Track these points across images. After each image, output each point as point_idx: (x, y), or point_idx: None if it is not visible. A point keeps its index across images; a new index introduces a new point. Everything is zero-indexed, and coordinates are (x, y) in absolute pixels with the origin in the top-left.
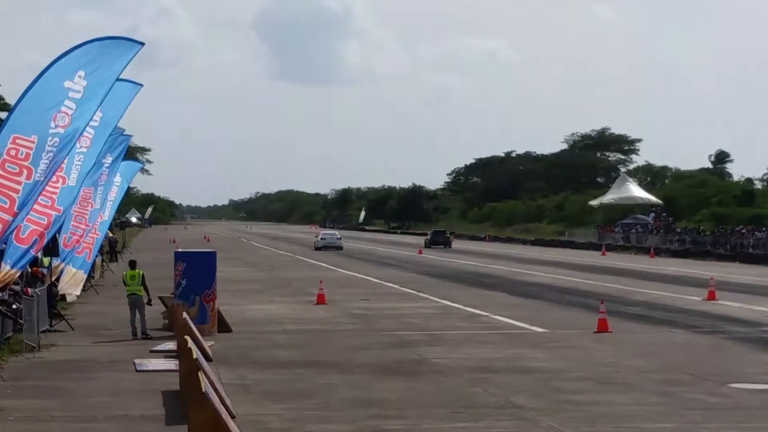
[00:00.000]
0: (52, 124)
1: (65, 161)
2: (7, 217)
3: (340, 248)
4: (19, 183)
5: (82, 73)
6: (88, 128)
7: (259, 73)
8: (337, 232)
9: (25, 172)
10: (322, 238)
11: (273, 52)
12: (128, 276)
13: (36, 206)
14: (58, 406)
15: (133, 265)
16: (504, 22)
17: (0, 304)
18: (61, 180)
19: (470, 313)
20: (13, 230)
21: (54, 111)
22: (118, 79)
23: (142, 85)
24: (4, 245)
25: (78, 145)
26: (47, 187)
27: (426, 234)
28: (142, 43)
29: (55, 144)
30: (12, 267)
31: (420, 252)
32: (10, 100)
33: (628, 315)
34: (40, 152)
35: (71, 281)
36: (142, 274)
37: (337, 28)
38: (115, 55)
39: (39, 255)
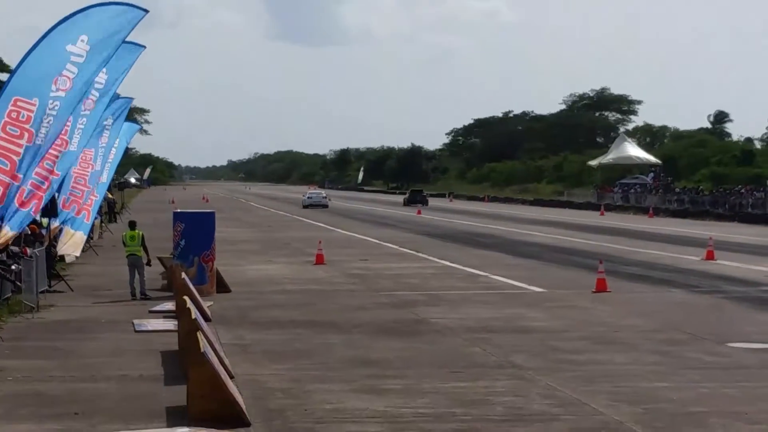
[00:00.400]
0: (53, 87)
1: (68, 124)
2: (8, 180)
3: (325, 206)
4: (20, 146)
5: (84, 37)
6: (92, 90)
7: (258, 34)
8: (323, 192)
9: (26, 134)
10: (308, 197)
11: (272, 13)
12: (128, 236)
13: (39, 170)
14: (57, 367)
15: (132, 225)
16: None
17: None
18: (63, 143)
19: (469, 273)
20: (16, 194)
21: (55, 74)
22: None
23: (144, 47)
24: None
25: (82, 107)
26: (51, 150)
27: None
28: (146, 11)
29: (56, 107)
30: (11, 230)
31: (419, 212)
32: (9, 61)
33: (626, 275)
34: (41, 115)
35: (70, 242)
36: (142, 235)
37: None
38: (119, 20)
39: (37, 216)
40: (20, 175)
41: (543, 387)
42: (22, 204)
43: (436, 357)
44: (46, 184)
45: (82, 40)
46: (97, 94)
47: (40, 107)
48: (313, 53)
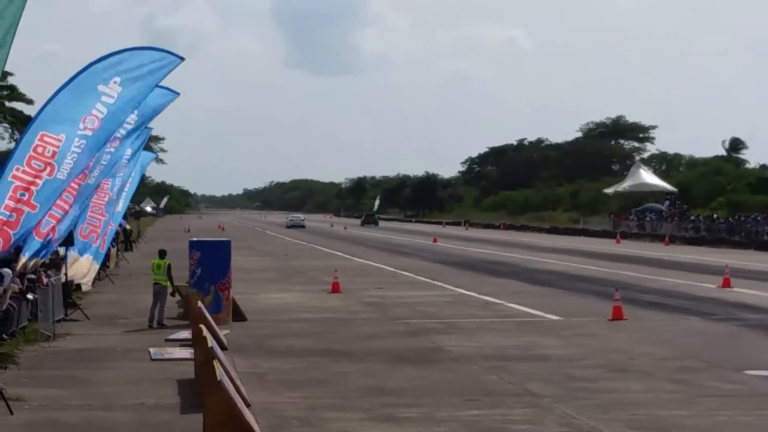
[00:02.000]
0: (81, 126)
1: (92, 161)
2: (25, 209)
3: (303, 227)
4: (40, 178)
5: (117, 79)
6: (120, 129)
7: (274, 62)
8: (301, 215)
9: (48, 168)
10: (290, 220)
11: (289, 41)
12: (155, 265)
13: (59, 202)
14: (74, 395)
15: (162, 254)
16: (520, 9)
17: (19, 293)
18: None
19: (485, 301)
20: (34, 225)
21: (85, 113)
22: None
23: (178, 94)
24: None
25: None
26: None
27: (440, 222)
28: (183, 58)
29: (81, 146)
30: (29, 256)
31: (435, 240)
32: (28, 90)
33: (642, 302)
34: (66, 152)
35: (86, 270)
36: (168, 264)
37: (352, 15)
38: (154, 66)
39: (55, 246)
40: (37, 204)
41: (559, 415)
42: (39, 234)
43: (453, 385)
44: (64, 215)
45: (115, 82)
46: (124, 133)
47: (65, 143)
48: (330, 81)
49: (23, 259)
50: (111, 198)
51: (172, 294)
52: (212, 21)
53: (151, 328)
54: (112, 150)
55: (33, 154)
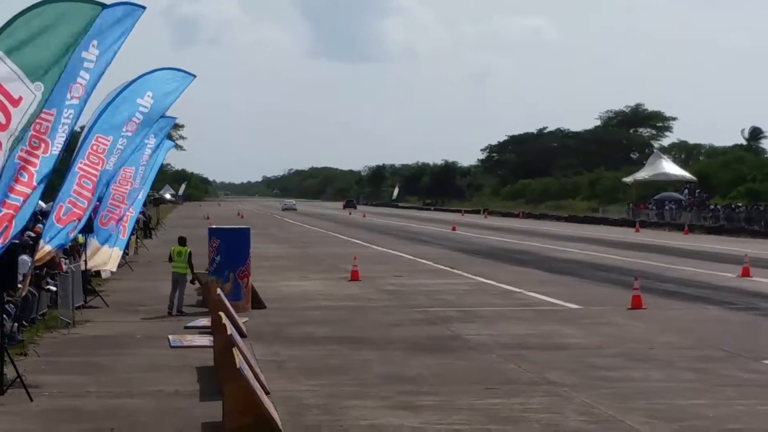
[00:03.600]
0: (68, 96)
1: (107, 142)
2: (27, 191)
3: (295, 209)
4: (36, 156)
5: (95, 42)
6: (137, 114)
7: (297, 50)
8: (294, 201)
9: (42, 145)
10: (285, 204)
11: (313, 30)
12: (175, 252)
13: (79, 189)
14: (93, 382)
15: (182, 241)
16: (545, 1)
17: (40, 281)
18: (101, 163)
19: (504, 290)
20: (53, 211)
21: (71, 83)
22: (171, 69)
23: (195, 76)
24: (33, 222)
25: (124, 129)
26: (90, 170)
27: (459, 210)
28: (143, 7)
29: (70, 115)
30: (52, 246)
31: (454, 229)
32: None
33: (662, 291)
34: (57, 125)
35: (102, 258)
36: (189, 252)
37: (378, 5)
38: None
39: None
40: (36, 184)
41: (578, 404)
42: (60, 220)
43: (471, 373)
44: (86, 203)
45: (93, 45)
46: (141, 117)
47: (56, 117)
48: (353, 70)
49: (46, 248)
50: (134, 187)
51: (192, 281)
52: (235, 9)
53: (170, 315)
54: (129, 134)
55: (33, 133)
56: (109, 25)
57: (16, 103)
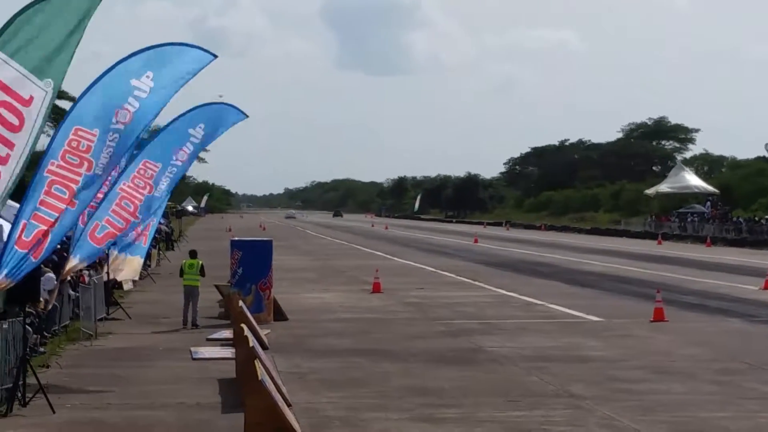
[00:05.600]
0: (114, 120)
1: (157, 169)
2: (63, 206)
3: (295, 218)
4: (78, 174)
5: (150, 73)
6: (188, 144)
7: (321, 63)
8: (294, 210)
9: (85, 164)
10: (287, 213)
11: (336, 42)
12: (186, 264)
13: (118, 209)
14: (115, 394)
15: (193, 254)
16: (568, 12)
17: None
18: (148, 188)
19: (526, 302)
20: (87, 228)
21: (117, 107)
22: (226, 105)
23: (247, 116)
24: (65, 239)
25: (174, 158)
26: (134, 192)
27: (481, 222)
28: (215, 55)
29: (115, 140)
30: (80, 260)
31: (476, 241)
32: (68, 87)
33: (684, 304)
34: (101, 146)
35: (126, 268)
36: (201, 264)
37: (400, 18)
38: (185, 60)
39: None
40: (76, 202)
41: (600, 416)
42: (95, 239)
43: (493, 386)
44: (124, 224)
45: (147, 76)
46: (192, 148)
47: (100, 138)
48: (376, 82)
49: (74, 262)
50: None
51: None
52: (261, 22)
53: (185, 329)
54: (179, 164)
55: (68, 148)
56: (171, 61)
57: (27, 103)
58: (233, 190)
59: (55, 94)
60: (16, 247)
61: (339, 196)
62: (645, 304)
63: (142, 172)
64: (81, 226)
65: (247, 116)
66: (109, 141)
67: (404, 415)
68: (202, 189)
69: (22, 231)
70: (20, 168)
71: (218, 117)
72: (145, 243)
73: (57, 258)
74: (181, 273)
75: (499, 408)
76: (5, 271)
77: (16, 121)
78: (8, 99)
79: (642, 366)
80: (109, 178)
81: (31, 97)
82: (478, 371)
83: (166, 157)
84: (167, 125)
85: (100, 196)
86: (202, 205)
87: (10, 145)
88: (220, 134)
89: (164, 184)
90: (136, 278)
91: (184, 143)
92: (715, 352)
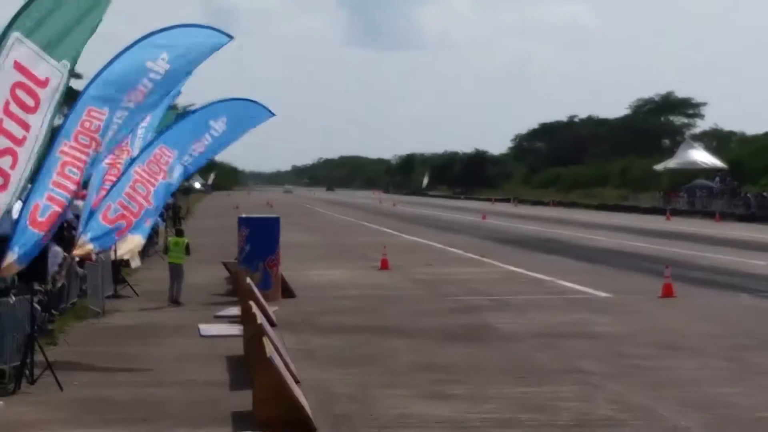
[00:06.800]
0: (125, 99)
1: (171, 157)
2: (74, 187)
3: (291, 192)
4: (87, 154)
5: (165, 55)
6: (207, 135)
7: (331, 39)
8: (290, 186)
9: (93, 143)
10: (285, 188)
11: (347, 17)
12: (172, 243)
13: (132, 192)
14: (123, 372)
15: (179, 233)
16: None
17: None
18: (162, 174)
19: (535, 278)
20: (101, 209)
21: (130, 88)
22: (252, 102)
23: (274, 114)
24: (73, 217)
25: (192, 147)
26: (149, 177)
27: (489, 199)
28: (231, 36)
29: (122, 117)
30: (92, 242)
31: (484, 217)
32: (81, 67)
33: (693, 280)
34: (108, 124)
35: (128, 246)
36: (187, 243)
37: None
38: (201, 41)
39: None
40: (82, 183)
41: (610, 392)
42: (107, 219)
43: (502, 362)
44: (138, 208)
45: (163, 58)
46: (210, 140)
47: (108, 117)
48: (386, 58)
49: (87, 246)
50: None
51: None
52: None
53: (170, 306)
54: (195, 153)
55: (80, 129)
56: (186, 43)
57: (43, 84)
58: (240, 168)
59: (70, 76)
60: (30, 227)
61: (346, 173)
62: (654, 280)
63: (158, 157)
64: (92, 207)
65: (274, 114)
66: (116, 119)
67: (413, 391)
68: (209, 166)
69: (35, 211)
70: (37, 150)
71: (242, 113)
72: (147, 222)
73: (65, 234)
74: (166, 251)
75: (508, 384)
76: (18, 252)
77: (32, 103)
78: (24, 80)
79: (651, 342)
80: (120, 161)
81: (47, 79)
82: (486, 348)
83: (183, 145)
84: (188, 114)
85: (113, 179)
86: (210, 182)
87: (26, 126)
88: (244, 132)
89: (177, 172)
90: (136, 258)
91: (203, 134)
92: (725, 328)
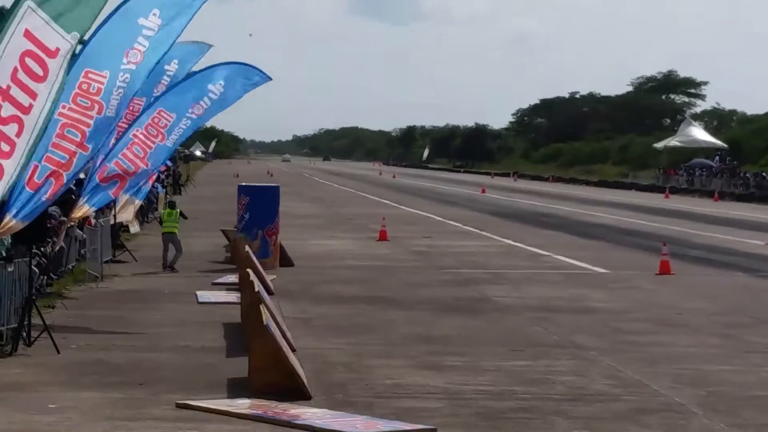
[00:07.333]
0: (124, 60)
1: (171, 118)
2: (77, 150)
3: (289, 161)
4: (90, 117)
5: (156, 11)
6: (205, 98)
7: (332, 8)
8: (289, 156)
9: (96, 106)
10: (283, 158)
11: None
12: (165, 213)
13: (128, 153)
14: (120, 336)
15: (172, 205)
16: None
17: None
18: (160, 137)
19: (532, 253)
20: (96, 169)
21: (127, 47)
22: (249, 66)
23: (271, 78)
24: (82, 176)
25: (190, 110)
26: (145, 140)
27: (489, 173)
28: None
29: (126, 80)
30: (87, 203)
31: (483, 191)
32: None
33: (690, 258)
34: (111, 88)
35: (126, 209)
36: (180, 211)
37: None
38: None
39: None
40: (89, 146)
41: (605, 367)
42: (103, 180)
43: (498, 335)
44: (134, 168)
45: (154, 14)
46: (209, 103)
47: (110, 80)
48: (388, 29)
49: (85, 207)
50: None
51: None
52: None
53: (164, 272)
54: (195, 117)
55: (78, 91)
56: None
57: (53, 54)
58: (241, 136)
59: (76, 48)
60: (27, 187)
61: (347, 144)
62: (651, 257)
63: (156, 120)
64: (93, 167)
65: (271, 78)
66: (120, 82)
67: (409, 362)
68: (210, 134)
69: (33, 172)
70: (43, 119)
71: (240, 76)
72: (144, 185)
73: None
74: (161, 222)
75: (504, 357)
76: (14, 211)
77: (40, 72)
78: (34, 48)
79: (647, 318)
80: (123, 121)
81: (57, 49)
82: (483, 320)
83: (182, 108)
84: (187, 77)
85: (113, 141)
86: (210, 150)
87: (33, 95)
88: (241, 95)
89: (176, 135)
90: (135, 223)
91: (202, 98)
92: (721, 306)
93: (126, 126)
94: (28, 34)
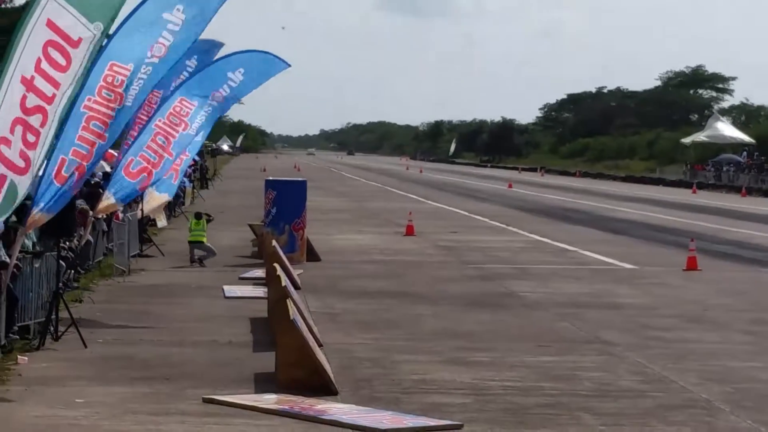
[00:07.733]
0: (149, 54)
1: (192, 107)
2: (96, 140)
3: (314, 155)
4: (112, 109)
5: (180, 6)
6: (225, 86)
7: (362, 3)
8: (314, 149)
9: (118, 98)
10: (308, 152)
11: None
12: (193, 223)
13: (153, 144)
14: (147, 330)
15: (198, 216)
16: None
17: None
18: (183, 125)
19: (559, 248)
20: (123, 162)
21: (152, 42)
22: (268, 54)
23: (290, 65)
24: (109, 170)
25: (210, 98)
26: (168, 129)
27: (516, 168)
28: None
29: (147, 72)
30: (116, 199)
31: (510, 186)
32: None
33: (717, 253)
34: (133, 79)
35: (152, 204)
36: (206, 220)
37: None
38: None
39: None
40: (107, 135)
41: (631, 363)
42: (130, 174)
43: (525, 331)
44: (157, 159)
45: (178, 9)
46: (229, 91)
47: (134, 72)
48: (418, 24)
49: (111, 200)
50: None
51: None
52: None
53: (198, 264)
54: (215, 104)
55: (104, 84)
56: None
57: (75, 44)
58: (269, 131)
59: (103, 38)
60: (55, 181)
61: (374, 139)
62: (678, 253)
63: (177, 109)
64: (118, 161)
65: (290, 65)
66: (141, 74)
67: (435, 357)
68: (238, 128)
69: (61, 166)
70: (62, 108)
71: (259, 64)
72: (175, 180)
73: (91, 190)
74: (190, 231)
75: (530, 353)
76: (42, 205)
77: (63, 62)
78: (57, 38)
79: (674, 314)
80: (143, 113)
81: (80, 39)
82: (509, 316)
83: (203, 96)
84: (207, 65)
85: (134, 134)
86: (238, 144)
87: (56, 84)
88: (261, 82)
89: (198, 123)
90: (162, 217)
91: (222, 85)
92: (748, 302)
93: (147, 118)
94: (50, 24)
